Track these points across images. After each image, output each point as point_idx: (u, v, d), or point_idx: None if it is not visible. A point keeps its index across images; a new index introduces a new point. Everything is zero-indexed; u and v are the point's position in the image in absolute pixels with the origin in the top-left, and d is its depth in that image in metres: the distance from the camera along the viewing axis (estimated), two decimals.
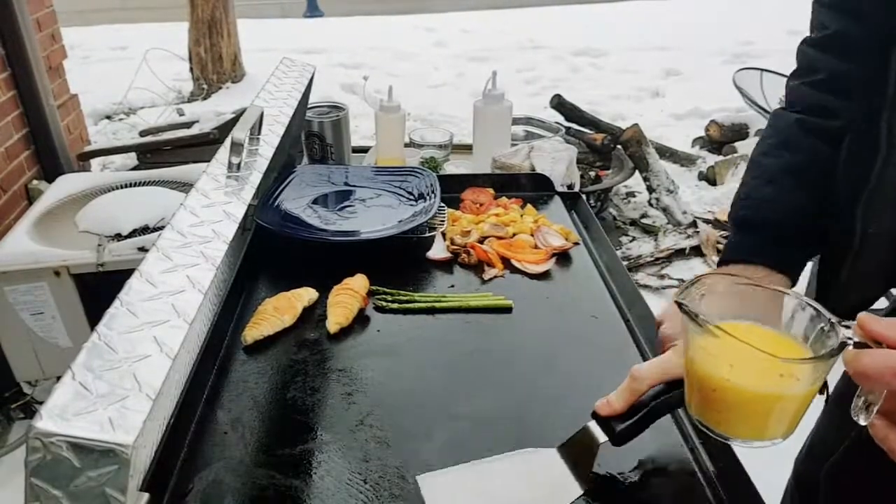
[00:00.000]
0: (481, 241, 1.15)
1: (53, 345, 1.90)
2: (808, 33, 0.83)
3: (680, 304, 0.56)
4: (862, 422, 0.49)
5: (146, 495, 0.53)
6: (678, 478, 0.71)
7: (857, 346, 0.48)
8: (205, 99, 5.19)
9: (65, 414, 0.48)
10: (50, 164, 2.64)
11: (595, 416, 0.69)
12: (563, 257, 1.14)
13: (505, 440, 0.75)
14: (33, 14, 2.62)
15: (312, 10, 8.86)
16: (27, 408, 2.07)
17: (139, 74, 4.84)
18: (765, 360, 0.52)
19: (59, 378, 0.52)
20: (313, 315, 0.99)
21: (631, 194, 3.60)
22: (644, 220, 3.38)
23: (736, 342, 0.52)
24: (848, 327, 0.50)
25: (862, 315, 0.49)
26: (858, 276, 0.72)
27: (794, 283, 0.78)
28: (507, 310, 1.00)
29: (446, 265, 1.13)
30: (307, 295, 1.00)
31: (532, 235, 1.17)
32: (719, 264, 0.79)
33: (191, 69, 5.39)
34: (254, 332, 0.92)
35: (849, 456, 0.83)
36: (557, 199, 1.36)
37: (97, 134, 4.40)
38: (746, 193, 0.81)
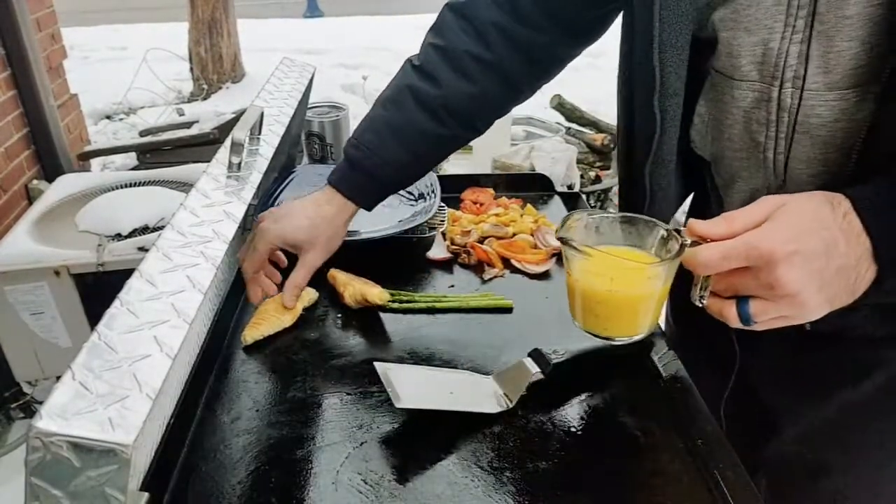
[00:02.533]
0: (481, 241, 1.15)
1: (53, 345, 1.90)
2: None
3: (561, 239, 0.68)
4: (700, 304, 0.62)
5: (146, 495, 0.53)
6: (678, 477, 0.71)
7: (693, 245, 0.60)
8: (205, 99, 5.20)
9: (65, 413, 0.48)
10: (50, 164, 2.64)
11: (529, 353, 0.83)
12: (563, 257, 1.14)
13: (501, 436, 0.75)
14: (33, 14, 2.62)
15: (312, 10, 8.87)
16: (27, 407, 2.08)
17: (139, 74, 4.84)
18: (636, 268, 0.67)
19: (59, 378, 0.52)
20: (313, 315, 0.99)
21: None
22: None
23: (612, 258, 0.66)
24: (679, 232, 0.63)
25: (690, 221, 0.62)
26: None
27: (366, 209, 0.96)
28: (507, 310, 1.00)
29: (446, 265, 1.12)
30: (307, 295, 1.00)
31: (532, 235, 1.17)
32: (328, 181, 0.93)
33: (191, 69, 5.40)
34: (254, 332, 0.92)
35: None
36: (557, 199, 1.36)
37: (97, 134, 4.41)
38: (358, 134, 0.92)
